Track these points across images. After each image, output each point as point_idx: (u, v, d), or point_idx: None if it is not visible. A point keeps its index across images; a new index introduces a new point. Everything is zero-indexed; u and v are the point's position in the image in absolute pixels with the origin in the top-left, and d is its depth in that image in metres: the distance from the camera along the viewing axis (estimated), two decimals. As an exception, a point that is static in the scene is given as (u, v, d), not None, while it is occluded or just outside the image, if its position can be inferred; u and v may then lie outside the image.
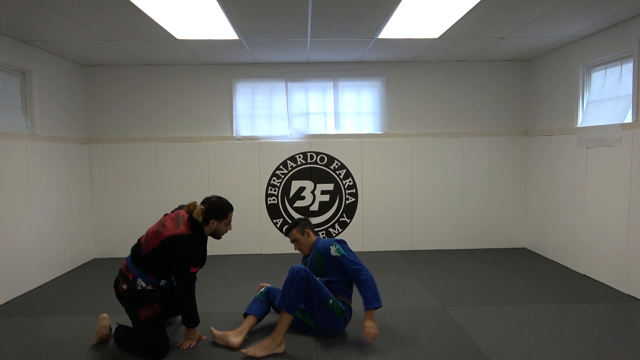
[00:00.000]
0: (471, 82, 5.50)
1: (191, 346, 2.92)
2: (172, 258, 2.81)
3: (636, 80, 3.75)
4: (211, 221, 2.94)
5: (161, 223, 2.92)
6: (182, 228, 2.83)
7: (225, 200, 3.05)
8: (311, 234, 3.28)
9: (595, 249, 4.25)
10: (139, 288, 2.86)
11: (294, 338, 3.06)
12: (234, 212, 3.11)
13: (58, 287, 4.31)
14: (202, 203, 2.96)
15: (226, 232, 3.07)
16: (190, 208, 2.90)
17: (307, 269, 2.90)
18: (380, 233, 5.57)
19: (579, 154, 4.45)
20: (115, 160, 5.39)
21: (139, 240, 2.97)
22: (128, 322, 2.97)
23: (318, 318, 3.00)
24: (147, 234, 2.94)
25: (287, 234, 3.33)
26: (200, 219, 2.89)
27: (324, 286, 2.99)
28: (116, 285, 2.95)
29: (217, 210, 2.94)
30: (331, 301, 2.96)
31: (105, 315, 3.02)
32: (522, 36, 4.31)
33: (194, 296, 2.90)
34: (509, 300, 3.75)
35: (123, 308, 2.96)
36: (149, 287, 2.88)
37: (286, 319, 2.83)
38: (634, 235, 3.77)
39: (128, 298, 2.87)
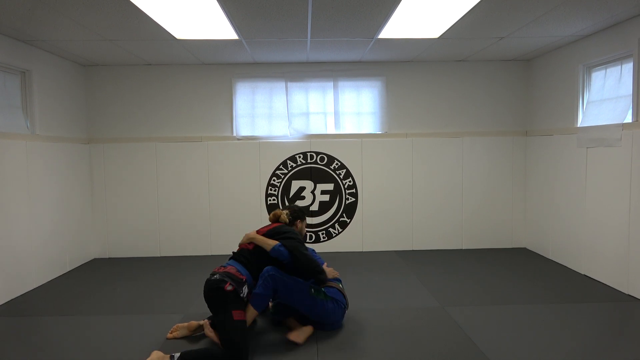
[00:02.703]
0: (471, 82, 5.50)
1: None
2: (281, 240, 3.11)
3: (636, 80, 3.74)
4: (297, 221, 3.39)
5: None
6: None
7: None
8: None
9: (595, 249, 4.25)
10: (241, 295, 2.90)
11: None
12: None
13: (58, 287, 4.31)
14: (287, 209, 3.44)
15: (304, 234, 3.47)
16: (276, 214, 3.37)
17: (275, 268, 2.99)
18: (380, 233, 5.57)
19: (579, 154, 4.45)
20: (115, 160, 5.39)
21: (239, 249, 3.19)
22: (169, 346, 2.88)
23: (309, 310, 3.05)
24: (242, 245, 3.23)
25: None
26: (288, 220, 3.34)
27: (298, 279, 3.06)
28: (219, 284, 2.85)
29: (300, 212, 3.45)
30: (312, 290, 3.05)
31: (157, 351, 2.71)
32: (522, 36, 4.31)
33: (319, 266, 3.09)
34: (509, 300, 3.75)
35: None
36: (245, 297, 2.95)
37: (251, 312, 2.93)
38: (634, 236, 3.77)
39: (228, 299, 2.83)
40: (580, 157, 4.43)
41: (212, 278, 2.90)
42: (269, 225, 3.31)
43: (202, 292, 2.94)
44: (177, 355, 2.63)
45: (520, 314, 3.45)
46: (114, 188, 5.42)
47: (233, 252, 3.18)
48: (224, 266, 3.01)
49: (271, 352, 2.88)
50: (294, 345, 2.96)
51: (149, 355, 2.68)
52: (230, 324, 2.74)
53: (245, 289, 2.93)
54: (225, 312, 2.78)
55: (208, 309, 2.97)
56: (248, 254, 3.09)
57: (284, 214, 3.34)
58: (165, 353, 2.69)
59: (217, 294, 2.84)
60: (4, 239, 3.88)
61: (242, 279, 2.93)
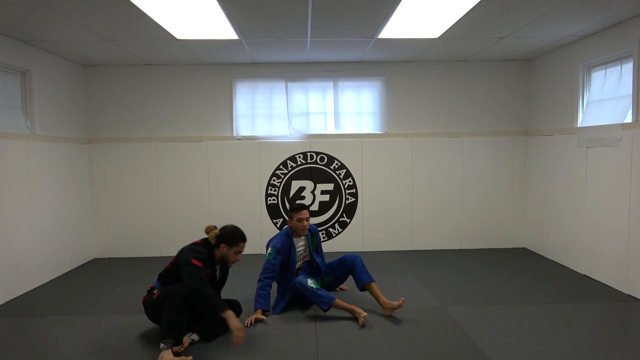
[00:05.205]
0: (471, 82, 5.49)
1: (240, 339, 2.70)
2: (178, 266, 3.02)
3: (636, 80, 3.74)
4: (222, 245, 3.14)
5: None
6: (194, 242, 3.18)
7: (241, 230, 3.24)
8: None
9: (595, 249, 4.25)
10: (154, 296, 3.08)
11: (295, 338, 3.07)
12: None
13: (58, 287, 4.31)
14: (219, 229, 3.21)
15: (236, 260, 3.21)
16: (209, 228, 3.19)
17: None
18: (380, 233, 5.57)
19: (579, 154, 4.45)
20: (115, 160, 5.39)
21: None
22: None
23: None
24: None
25: (303, 208, 3.66)
26: (214, 242, 3.15)
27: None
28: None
29: (230, 237, 3.15)
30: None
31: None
32: (522, 36, 4.31)
33: (205, 286, 2.81)
34: (509, 300, 3.75)
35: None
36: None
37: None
38: (634, 235, 3.76)
39: (149, 302, 3.10)
40: (580, 157, 4.43)
41: None
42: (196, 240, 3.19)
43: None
44: (195, 337, 2.97)
45: (520, 314, 3.44)
46: (114, 188, 5.42)
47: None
48: None
49: (271, 352, 2.88)
50: (294, 344, 2.96)
51: (150, 355, 2.67)
52: (160, 300, 2.92)
53: (156, 291, 3.09)
54: (153, 305, 3.02)
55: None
56: (164, 271, 3.18)
57: (213, 232, 3.16)
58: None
59: (144, 307, 3.15)
60: (4, 239, 3.88)
61: (149, 288, 3.18)
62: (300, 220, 3.59)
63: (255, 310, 3.41)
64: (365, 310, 3.48)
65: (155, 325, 3.30)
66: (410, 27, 3.99)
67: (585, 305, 3.62)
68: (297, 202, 5.51)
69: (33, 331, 3.28)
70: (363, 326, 3.24)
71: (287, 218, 3.43)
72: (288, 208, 3.68)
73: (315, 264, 3.78)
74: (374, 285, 3.54)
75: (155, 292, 3.08)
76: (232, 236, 3.14)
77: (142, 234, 5.44)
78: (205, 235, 3.19)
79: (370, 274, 3.59)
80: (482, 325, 3.23)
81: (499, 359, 2.73)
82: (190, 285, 2.79)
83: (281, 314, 3.53)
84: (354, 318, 3.35)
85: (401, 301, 3.34)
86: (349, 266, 3.66)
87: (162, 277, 3.13)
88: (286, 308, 3.62)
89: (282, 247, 3.55)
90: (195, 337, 3.00)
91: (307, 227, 3.64)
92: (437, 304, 3.69)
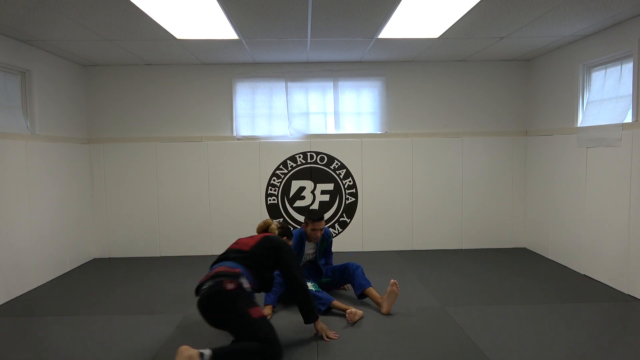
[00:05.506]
0: (471, 82, 5.49)
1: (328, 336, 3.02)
2: (274, 254, 2.92)
3: (636, 80, 3.74)
4: (284, 238, 3.22)
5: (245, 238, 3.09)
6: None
7: None
8: None
9: (595, 249, 4.25)
10: (245, 286, 2.63)
11: (294, 338, 3.07)
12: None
13: (58, 287, 4.31)
14: (276, 222, 3.30)
15: None
16: (266, 223, 3.24)
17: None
18: (380, 233, 5.57)
19: (579, 154, 4.45)
20: (115, 160, 5.39)
21: (229, 249, 2.93)
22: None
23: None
24: (237, 242, 3.04)
25: (320, 219, 3.69)
26: (276, 232, 3.20)
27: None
28: (218, 287, 2.55)
29: (289, 231, 3.32)
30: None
31: (185, 346, 2.34)
32: (522, 36, 4.31)
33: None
34: (509, 300, 3.75)
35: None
36: (250, 288, 2.70)
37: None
38: (634, 235, 3.76)
39: (234, 297, 2.54)
40: (580, 157, 4.43)
41: (205, 288, 2.59)
42: (255, 236, 3.02)
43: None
44: (207, 352, 2.32)
45: (520, 314, 3.45)
46: (114, 188, 5.42)
47: (219, 256, 2.92)
48: (211, 271, 2.73)
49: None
50: (294, 344, 2.97)
51: (150, 355, 2.67)
52: (252, 325, 2.46)
53: (244, 281, 2.64)
54: (240, 315, 2.48)
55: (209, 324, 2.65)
56: (244, 254, 2.83)
57: (274, 225, 3.22)
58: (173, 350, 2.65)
59: (219, 298, 2.52)
60: (4, 239, 3.88)
61: (237, 271, 2.65)
62: (314, 230, 3.68)
63: (266, 305, 3.48)
64: (365, 309, 3.50)
65: (156, 325, 3.31)
66: (410, 27, 3.99)
67: (585, 305, 3.62)
68: (297, 202, 5.52)
69: (33, 331, 3.28)
70: (353, 323, 3.28)
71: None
72: (307, 213, 3.74)
73: (317, 266, 3.83)
74: (372, 289, 3.62)
75: (242, 281, 2.64)
76: (290, 230, 3.33)
77: (142, 234, 5.44)
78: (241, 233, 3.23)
79: (368, 280, 3.70)
80: (482, 325, 3.23)
81: (499, 359, 2.73)
82: (303, 283, 2.92)
83: (281, 312, 3.53)
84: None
85: (392, 282, 3.42)
86: (350, 275, 3.76)
87: (244, 263, 2.75)
88: (285, 304, 3.66)
89: (294, 250, 3.64)
90: None
91: (319, 237, 3.72)
92: (437, 304, 3.69)
